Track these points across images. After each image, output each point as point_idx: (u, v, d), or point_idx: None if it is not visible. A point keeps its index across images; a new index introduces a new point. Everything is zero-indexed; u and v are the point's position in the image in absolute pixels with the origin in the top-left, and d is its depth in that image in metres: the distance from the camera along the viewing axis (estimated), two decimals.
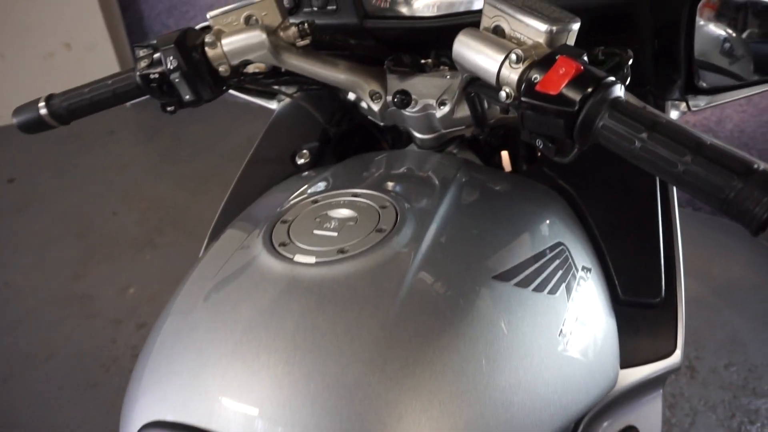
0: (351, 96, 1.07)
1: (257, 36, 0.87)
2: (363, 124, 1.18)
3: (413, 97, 1.00)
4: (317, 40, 0.96)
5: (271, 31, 0.89)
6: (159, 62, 0.87)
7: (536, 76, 0.62)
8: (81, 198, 3.24)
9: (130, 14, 4.05)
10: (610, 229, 0.90)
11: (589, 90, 0.58)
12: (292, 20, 0.94)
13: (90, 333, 2.44)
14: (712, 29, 1.10)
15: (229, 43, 0.89)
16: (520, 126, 0.65)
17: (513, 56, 0.65)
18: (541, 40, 0.66)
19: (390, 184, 0.84)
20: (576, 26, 0.66)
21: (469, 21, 1.07)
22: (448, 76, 1.02)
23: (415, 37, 1.16)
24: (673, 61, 1.08)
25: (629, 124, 0.56)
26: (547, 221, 0.83)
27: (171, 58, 0.85)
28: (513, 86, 0.66)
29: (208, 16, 0.91)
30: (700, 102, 1.08)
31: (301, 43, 0.93)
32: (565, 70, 0.59)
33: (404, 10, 1.14)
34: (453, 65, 1.20)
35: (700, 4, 1.03)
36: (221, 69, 0.90)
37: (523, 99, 0.62)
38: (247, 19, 0.91)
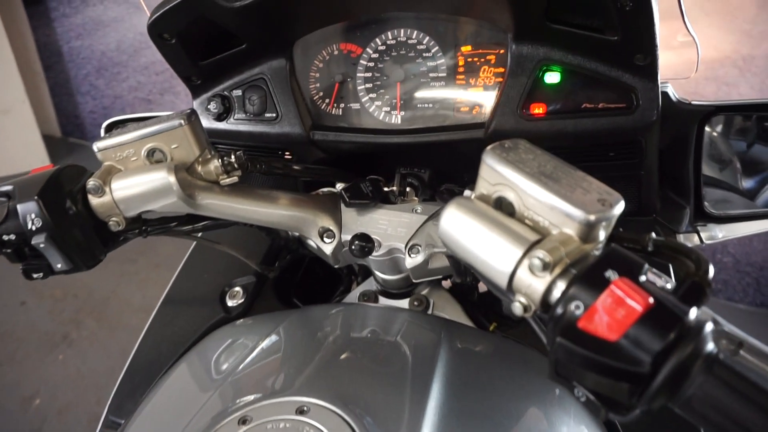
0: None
1: (162, 179, 0.63)
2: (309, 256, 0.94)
3: (376, 239, 0.78)
4: (250, 172, 0.73)
5: (183, 170, 0.66)
6: (16, 215, 0.61)
7: (577, 303, 0.40)
8: None
9: (54, 74, 3.72)
10: None
11: (672, 337, 0.37)
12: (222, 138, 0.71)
13: None
14: (720, 147, 0.95)
15: (122, 188, 0.64)
16: (550, 368, 0.43)
17: (536, 261, 0.43)
18: (572, 231, 0.45)
19: (349, 389, 0.60)
20: (620, 208, 0.46)
21: (444, 139, 0.87)
22: (418, 210, 0.80)
23: (374, 154, 0.95)
24: (680, 184, 0.92)
25: (743, 392, 0.36)
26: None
27: (33, 216, 0.60)
28: (534, 300, 0.44)
29: (95, 147, 0.66)
30: (716, 233, 0.91)
31: (226, 180, 0.69)
32: (626, 305, 0.38)
33: (361, 119, 0.93)
34: (424, 188, 1.00)
35: (708, 120, 0.88)
36: (112, 223, 0.65)
37: (558, 340, 0.40)
38: (151, 153, 0.67)
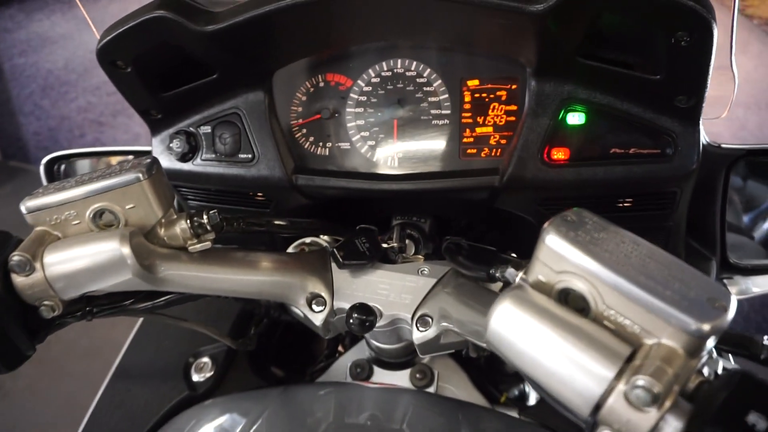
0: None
1: (113, 250, 0.49)
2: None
3: (376, 308, 0.65)
4: (225, 233, 0.59)
5: (141, 235, 0.52)
6: None
7: None
8: None
9: None
10: None
11: None
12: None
13: None
14: (743, 192, 0.87)
15: (59, 262, 0.49)
16: None
17: (639, 393, 0.32)
18: (676, 343, 0.34)
19: None
20: (734, 310, 0.35)
21: (451, 186, 0.74)
22: (425, 271, 0.68)
23: (366, 200, 0.83)
24: (705, 233, 0.83)
25: None
26: None
27: None
28: None
29: (23, 207, 0.51)
30: (747, 286, 0.83)
31: (196, 246, 0.55)
32: None
33: (352, 161, 0.81)
34: (426, 241, 0.88)
35: (735, 165, 0.80)
36: (44, 308, 0.50)
37: None
38: (98, 216, 0.52)
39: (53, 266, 0.49)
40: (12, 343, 0.49)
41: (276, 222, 0.68)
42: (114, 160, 1.05)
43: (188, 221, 0.55)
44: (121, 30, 0.64)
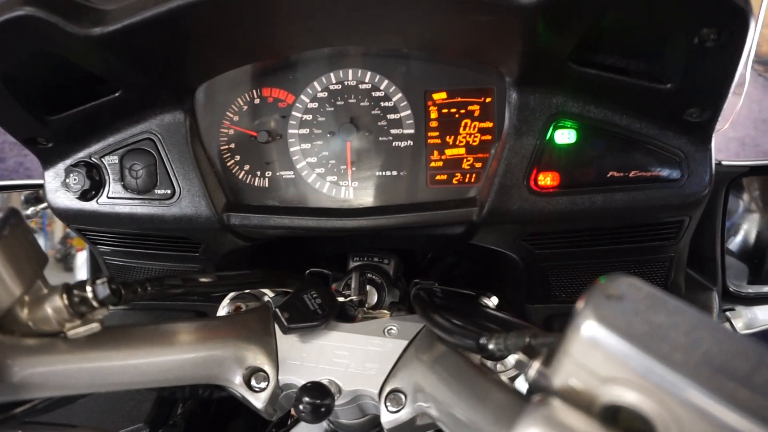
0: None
1: None
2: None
3: (334, 384, 0.51)
4: (124, 304, 0.44)
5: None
6: None
7: None
8: None
9: None
10: None
11: None
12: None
13: None
14: (743, 215, 0.78)
15: None
16: None
17: None
18: None
19: None
20: None
21: (417, 221, 0.60)
22: (392, 330, 0.55)
23: (319, 239, 0.69)
24: (703, 260, 0.74)
25: None
26: None
27: None
28: None
29: None
30: (755, 316, 0.74)
31: (79, 330, 0.40)
32: None
33: (298, 193, 0.66)
34: (390, 286, 0.75)
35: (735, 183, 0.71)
36: None
37: None
38: None
39: None
40: None
41: (201, 280, 0.53)
42: (15, 196, 0.87)
43: (64, 297, 0.39)
44: None
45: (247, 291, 0.65)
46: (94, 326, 0.40)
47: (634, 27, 0.47)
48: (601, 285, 0.27)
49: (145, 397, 0.68)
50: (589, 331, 0.26)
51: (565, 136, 0.58)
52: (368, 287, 0.66)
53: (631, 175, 0.57)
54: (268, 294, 0.62)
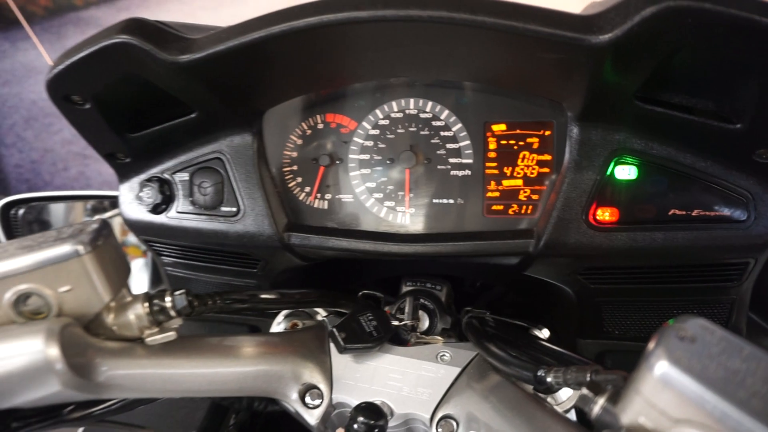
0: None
1: (34, 353, 0.36)
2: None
3: (387, 407, 0.52)
4: (196, 315, 0.47)
5: (79, 327, 0.39)
6: None
7: None
8: None
9: None
10: None
11: None
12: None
13: None
14: None
15: None
16: None
17: None
18: None
19: None
20: None
21: (473, 250, 0.61)
22: (445, 357, 0.56)
23: (373, 262, 0.70)
24: (764, 302, 0.71)
25: None
26: None
27: None
28: None
29: None
30: None
31: (156, 338, 0.42)
32: None
33: (355, 216, 0.68)
34: (442, 313, 0.75)
35: None
36: None
37: None
38: (22, 300, 0.39)
39: None
40: None
41: (263, 296, 0.55)
42: (79, 206, 0.93)
43: (146, 305, 0.42)
44: (76, 58, 0.52)
45: (301, 309, 0.67)
46: (171, 334, 0.42)
47: (704, 66, 0.47)
48: (672, 326, 0.28)
49: (198, 405, 0.70)
50: (662, 371, 0.26)
51: (626, 172, 0.58)
52: (420, 312, 0.67)
53: (693, 213, 0.56)
54: (322, 313, 0.64)
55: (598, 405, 0.31)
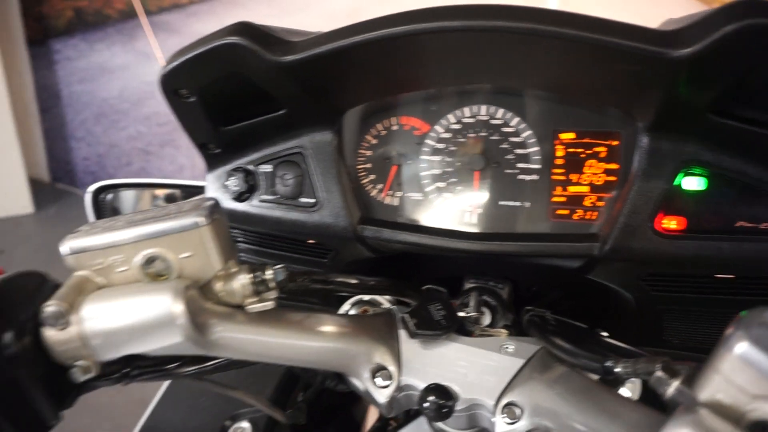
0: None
1: (164, 307, 0.41)
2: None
3: (454, 391, 0.55)
4: (289, 291, 0.51)
5: (195, 290, 0.44)
6: None
7: None
8: None
9: (50, 117, 3.54)
10: None
11: None
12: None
13: None
14: None
15: (99, 317, 0.42)
16: None
17: None
18: None
19: None
20: None
21: (538, 251, 0.64)
22: (509, 349, 0.58)
23: (435, 257, 0.74)
24: None
25: None
26: None
27: None
28: None
29: (63, 248, 0.44)
30: None
31: (256, 306, 0.47)
32: None
33: (424, 214, 0.73)
34: (503, 310, 0.78)
35: None
36: (76, 369, 0.42)
37: None
38: (149, 263, 0.44)
39: (92, 321, 0.41)
40: (34, 412, 0.41)
41: (342, 280, 0.60)
42: (146, 196, 1.00)
43: (251, 276, 0.47)
44: (190, 56, 0.59)
45: (367, 298, 0.71)
46: (269, 304, 0.47)
47: None
48: (751, 312, 0.30)
49: (266, 382, 0.75)
50: (742, 351, 0.29)
51: (694, 183, 0.59)
52: (482, 308, 0.70)
53: (761, 226, 0.58)
54: (388, 301, 0.68)
55: (673, 386, 0.34)
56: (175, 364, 0.49)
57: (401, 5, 0.57)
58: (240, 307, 0.48)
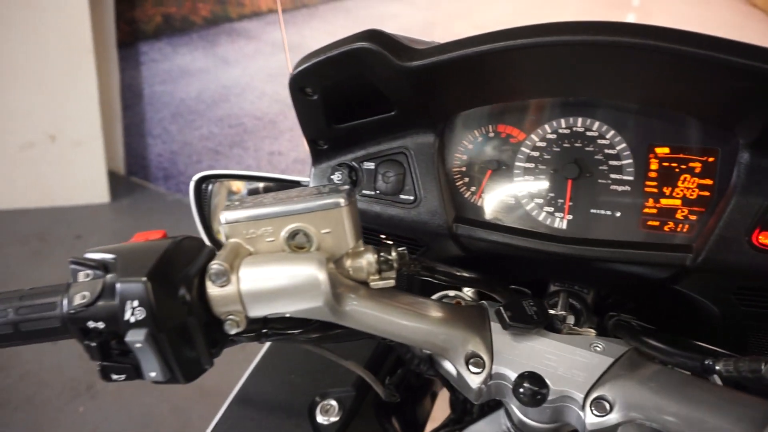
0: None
1: (310, 274, 0.47)
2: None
3: (547, 383, 0.58)
4: (406, 273, 0.57)
5: (332, 263, 0.50)
6: (112, 297, 0.45)
7: None
8: None
9: (131, 114, 3.78)
10: None
11: None
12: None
13: None
14: None
15: (254, 278, 0.48)
16: None
17: None
18: None
19: None
20: None
21: (628, 258, 0.67)
22: (598, 348, 0.61)
23: (521, 259, 0.78)
24: None
25: None
26: None
27: (136, 303, 0.44)
28: None
29: (222, 217, 0.51)
30: None
31: (378, 283, 0.52)
32: None
33: (515, 217, 0.77)
34: (588, 314, 0.81)
35: None
36: (229, 323, 0.48)
37: None
38: (292, 236, 0.51)
39: (248, 281, 0.48)
40: (195, 355, 0.47)
41: (443, 269, 0.64)
42: (260, 185, 1.08)
43: (375, 255, 0.52)
44: (321, 58, 0.65)
45: (453, 293, 0.75)
46: (390, 282, 0.53)
47: None
48: None
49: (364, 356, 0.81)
50: None
51: None
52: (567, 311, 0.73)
53: None
54: (472, 295, 0.72)
55: None
56: (301, 330, 0.55)
57: (475, 21, 0.62)
58: (365, 284, 0.53)
